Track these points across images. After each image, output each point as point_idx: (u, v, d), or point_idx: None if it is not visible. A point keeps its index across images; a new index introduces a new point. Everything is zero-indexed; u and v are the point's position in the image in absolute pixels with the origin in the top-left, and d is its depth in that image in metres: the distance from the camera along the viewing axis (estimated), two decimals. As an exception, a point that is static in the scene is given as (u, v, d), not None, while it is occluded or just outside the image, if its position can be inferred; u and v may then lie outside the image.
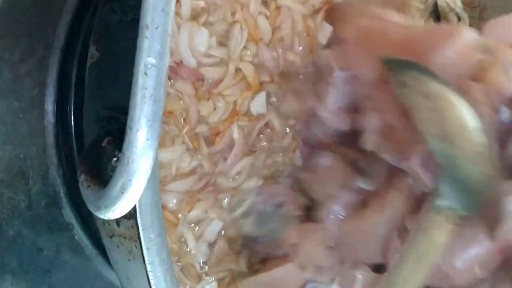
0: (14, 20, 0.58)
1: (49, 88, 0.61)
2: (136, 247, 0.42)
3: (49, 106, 0.62)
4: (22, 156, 0.60)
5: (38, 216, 0.62)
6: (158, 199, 0.42)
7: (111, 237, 0.46)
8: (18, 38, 0.58)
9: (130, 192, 0.36)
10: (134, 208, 0.40)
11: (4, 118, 0.59)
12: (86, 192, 0.40)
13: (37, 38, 0.60)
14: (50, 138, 0.62)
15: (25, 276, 0.62)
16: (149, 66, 0.35)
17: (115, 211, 0.37)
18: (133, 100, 0.36)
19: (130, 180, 0.36)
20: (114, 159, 0.37)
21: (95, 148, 0.41)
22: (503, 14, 0.63)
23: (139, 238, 0.40)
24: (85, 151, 0.45)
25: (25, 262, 0.61)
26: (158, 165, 0.41)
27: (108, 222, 0.45)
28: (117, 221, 0.44)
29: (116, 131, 0.37)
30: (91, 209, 0.39)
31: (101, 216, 0.38)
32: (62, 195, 0.63)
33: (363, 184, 0.59)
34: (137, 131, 0.36)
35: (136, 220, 0.40)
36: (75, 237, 0.65)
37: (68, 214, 0.64)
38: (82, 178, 0.41)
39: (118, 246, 0.45)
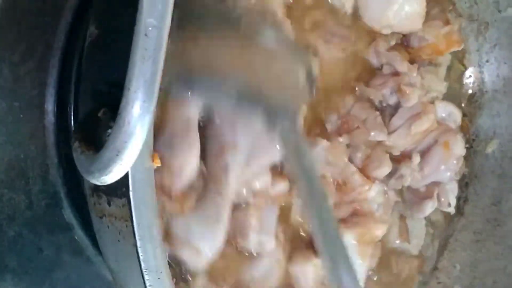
0: (14, 20, 0.58)
1: (49, 88, 0.61)
2: (126, 226, 0.41)
3: (49, 106, 0.62)
4: (22, 156, 0.61)
5: (39, 216, 0.62)
6: (151, 174, 0.41)
7: (101, 217, 0.46)
8: (18, 38, 0.59)
9: (125, 155, 0.36)
10: (127, 185, 0.40)
11: (5, 118, 0.59)
12: (80, 157, 0.39)
13: (37, 38, 0.60)
14: (51, 138, 0.62)
15: (25, 276, 0.62)
16: (150, 27, 0.35)
17: (109, 175, 0.37)
18: (132, 61, 0.35)
19: (125, 142, 0.35)
20: (109, 130, 0.37)
21: (90, 118, 0.41)
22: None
23: (130, 215, 0.40)
24: (81, 120, 0.45)
25: (25, 262, 0.61)
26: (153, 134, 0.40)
27: (99, 202, 0.45)
28: (108, 200, 0.43)
29: (112, 104, 0.37)
30: (84, 174, 0.39)
31: (94, 181, 0.37)
32: (62, 195, 0.63)
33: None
34: (135, 91, 0.35)
35: (128, 198, 0.40)
36: (76, 237, 0.65)
37: (69, 215, 0.64)
38: (76, 145, 0.40)
39: (108, 227, 0.45)
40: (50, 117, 0.62)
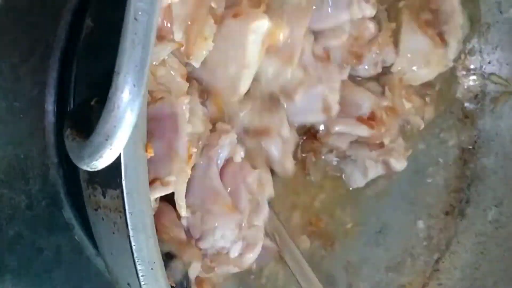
0: (14, 20, 0.59)
1: (49, 88, 0.62)
2: (120, 217, 0.41)
3: (49, 106, 0.62)
4: (22, 156, 0.61)
5: (38, 216, 0.62)
6: (145, 164, 0.41)
7: (96, 209, 0.46)
8: (18, 38, 0.59)
9: (115, 139, 0.36)
10: (121, 176, 0.40)
11: (5, 118, 0.59)
12: (71, 144, 0.39)
13: (37, 38, 0.60)
14: (51, 138, 0.62)
15: (25, 276, 0.62)
16: (140, 11, 0.35)
17: (99, 160, 0.37)
18: (122, 46, 0.36)
19: (115, 126, 0.36)
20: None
21: (83, 107, 0.41)
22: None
23: (123, 205, 0.40)
24: (73, 108, 0.45)
25: (25, 262, 0.61)
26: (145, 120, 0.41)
27: (94, 193, 0.45)
28: (103, 192, 0.44)
29: (105, 94, 0.37)
30: (75, 160, 0.39)
31: (85, 167, 0.38)
32: (62, 195, 0.64)
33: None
34: (124, 76, 0.35)
35: (121, 188, 0.40)
36: (75, 237, 0.65)
37: (68, 214, 0.64)
38: (67, 132, 0.40)
39: (103, 219, 0.45)
40: (50, 117, 0.62)
